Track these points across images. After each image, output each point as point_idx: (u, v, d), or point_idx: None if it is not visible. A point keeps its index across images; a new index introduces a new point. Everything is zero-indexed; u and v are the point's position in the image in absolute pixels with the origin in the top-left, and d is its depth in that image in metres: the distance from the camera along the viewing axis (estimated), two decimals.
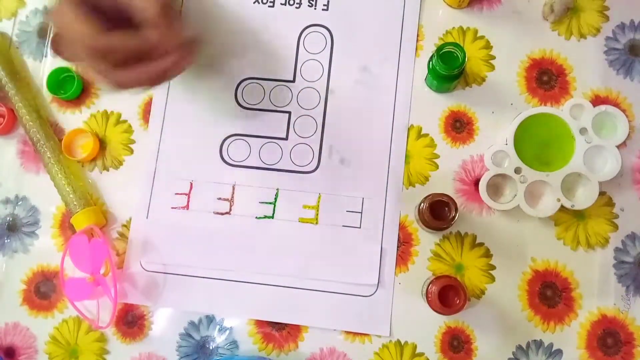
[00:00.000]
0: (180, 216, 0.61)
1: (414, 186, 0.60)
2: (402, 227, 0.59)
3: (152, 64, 0.46)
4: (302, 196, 0.61)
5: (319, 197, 0.61)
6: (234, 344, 0.59)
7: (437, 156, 0.61)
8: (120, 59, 0.45)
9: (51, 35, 0.66)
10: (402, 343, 0.58)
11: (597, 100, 0.60)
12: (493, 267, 0.58)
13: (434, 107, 0.61)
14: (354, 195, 0.60)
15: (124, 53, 0.45)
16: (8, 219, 0.64)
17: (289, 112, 0.63)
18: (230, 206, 0.61)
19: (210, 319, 0.60)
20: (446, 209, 0.54)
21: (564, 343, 0.57)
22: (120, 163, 0.64)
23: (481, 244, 0.59)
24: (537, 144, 0.58)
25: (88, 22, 0.44)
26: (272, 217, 0.61)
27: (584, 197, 0.57)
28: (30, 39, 0.67)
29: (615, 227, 0.58)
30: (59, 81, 0.65)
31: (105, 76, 0.46)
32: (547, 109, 0.59)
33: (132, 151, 0.64)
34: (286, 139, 0.62)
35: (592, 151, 0.57)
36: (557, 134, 0.58)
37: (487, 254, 0.58)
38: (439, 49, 0.55)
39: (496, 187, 0.59)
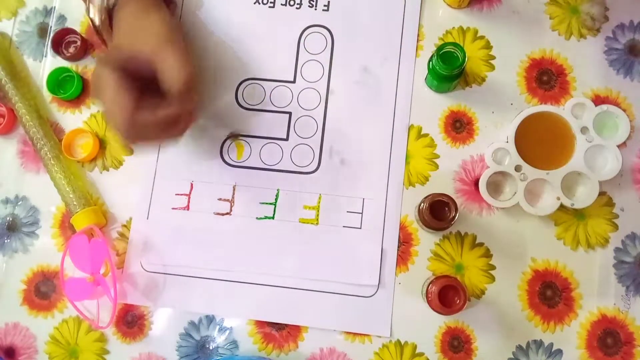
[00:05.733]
0: (180, 217, 0.61)
1: (414, 186, 0.60)
2: (402, 227, 0.59)
3: (170, 130, 0.52)
4: (302, 197, 0.61)
5: (320, 198, 0.61)
6: (234, 344, 0.59)
7: (437, 156, 0.61)
8: (150, 129, 0.50)
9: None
10: (402, 343, 0.58)
11: (597, 100, 0.60)
12: (493, 267, 0.58)
13: (434, 107, 0.61)
14: (355, 196, 0.60)
15: (154, 125, 0.50)
16: (8, 219, 0.64)
17: (290, 113, 0.63)
18: (231, 207, 0.61)
19: (210, 319, 0.60)
20: (446, 209, 0.54)
21: (564, 343, 0.57)
22: (120, 163, 0.63)
23: (481, 244, 0.59)
24: (538, 142, 0.58)
25: (127, 96, 0.48)
26: (273, 217, 0.61)
27: (584, 196, 0.57)
28: (30, 39, 0.67)
29: (615, 227, 0.58)
30: (58, 81, 0.65)
31: (129, 139, 0.50)
32: (548, 107, 0.59)
33: (132, 151, 0.64)
34: (287, 139, 0.62)
35: (593, 150, 0.57)
36: (558, 132, 0.58)
37: (487, 254, 0.58)
38: (439, 49, 0.55)
39: (496, 185, 0.59)
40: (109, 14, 0.56)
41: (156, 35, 0.51)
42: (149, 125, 0.49)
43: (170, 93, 0.50)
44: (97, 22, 0.56)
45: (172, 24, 0.54)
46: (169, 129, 0.52)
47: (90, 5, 0.56)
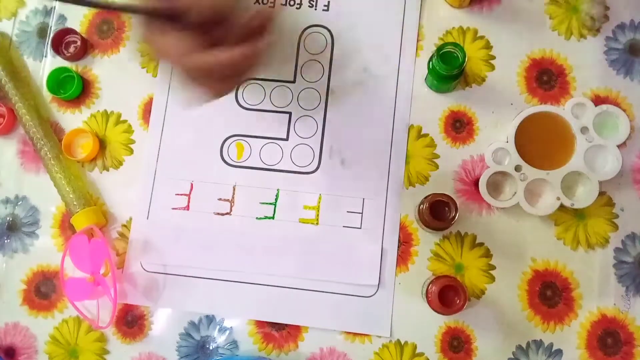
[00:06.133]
0: (180, 217, 0.61)
1: (414, 186, 0.60)
2: (402, 227, 0.59)
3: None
4: (302, 197, 0.61)
5: (320, 198, 0.61)
6: (234, 344, 0.59)
7: (437, 156, 0.61)
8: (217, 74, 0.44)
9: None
10: (402, 343, 0.58)
11: (597, 100, 0.60)
12: (493, 267, 0.58)
13: (434, 107, 0.61)
14: (355, 196, 0.60)
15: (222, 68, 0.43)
16: (8, 219, 0.64)
17: (290, 113, 0.63)
18: (231, 207, 0.61)
19: (210, 319, 0.60)
20: (446, 209, 0.54)
21: (564, 343, 0.57)
22: (120, 163, 0.64)
23: (481, 244, 0.59)
24: (538, 142, 0.58)
25: (182, 40, 0.42)
26: (273, 217, 0.61)
27: (584, 196, 0.57)
28: (30, 39, 0.67)
29: (615, 227, 0.58)
30: (58, 81, 0.65)
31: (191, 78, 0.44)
32: (549, 107, 0.59)
33: (132, 151, 0.64)
34: (287, 139, 0.62)
35: (593, 150, 0.57)
36: (559, 132, 0.58)
37: (487, 254, 0.58)
38: (439, 49, 0.55)
39: (496, 185, 0.59)
40: None
41: None
42: (216, 69, 0.43)
43: (243, 26, 0.45)
44: None
45: None
46: (240, 67, 0.45)
47: None
